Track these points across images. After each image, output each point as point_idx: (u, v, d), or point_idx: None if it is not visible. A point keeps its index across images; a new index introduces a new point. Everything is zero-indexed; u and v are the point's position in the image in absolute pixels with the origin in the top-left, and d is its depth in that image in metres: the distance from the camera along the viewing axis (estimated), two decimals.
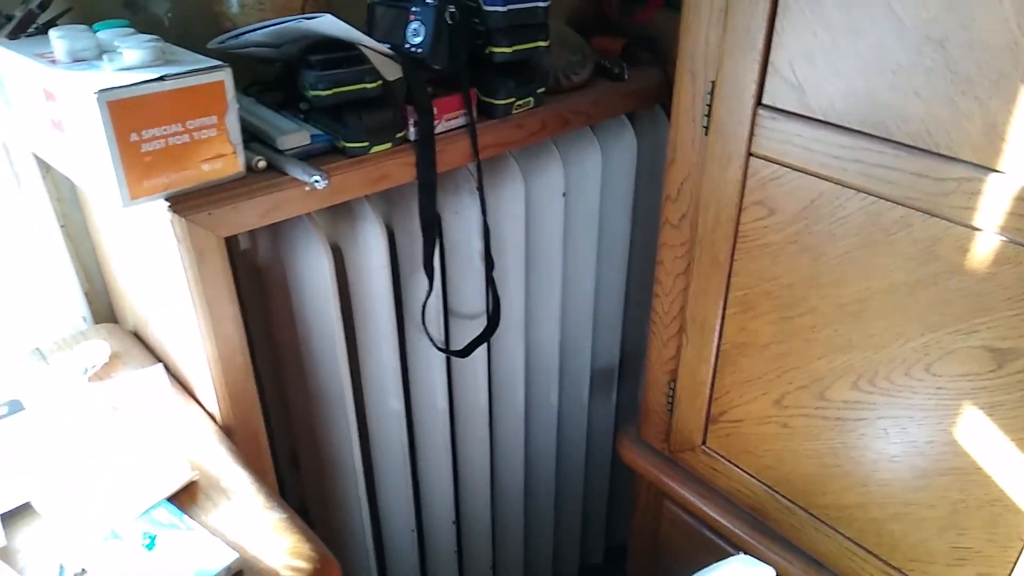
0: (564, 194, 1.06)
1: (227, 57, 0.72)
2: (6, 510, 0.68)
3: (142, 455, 0.73)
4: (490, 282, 1.00)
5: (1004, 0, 0.59)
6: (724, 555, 1.03)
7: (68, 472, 0.71)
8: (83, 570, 0.63)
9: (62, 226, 0.90)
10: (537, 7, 0.87)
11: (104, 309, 0.98)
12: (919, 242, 0.71)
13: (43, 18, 0.77)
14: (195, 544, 0.65)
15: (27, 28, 0.75)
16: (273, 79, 0.90)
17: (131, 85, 0.62)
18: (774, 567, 0.89)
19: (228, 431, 0.81)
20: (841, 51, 0.70)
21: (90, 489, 0.69)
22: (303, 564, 0.66)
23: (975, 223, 0.67)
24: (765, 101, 0.77)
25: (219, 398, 0.80)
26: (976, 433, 0.74)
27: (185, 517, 0.68)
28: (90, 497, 0.68)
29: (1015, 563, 0.75)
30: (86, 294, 0.95)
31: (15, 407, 0.78)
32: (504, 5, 0.84)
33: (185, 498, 0.71)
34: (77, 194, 0.90)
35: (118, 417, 0.78)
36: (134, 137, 0.64)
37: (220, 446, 0.77)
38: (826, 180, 0.75)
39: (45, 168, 0.87)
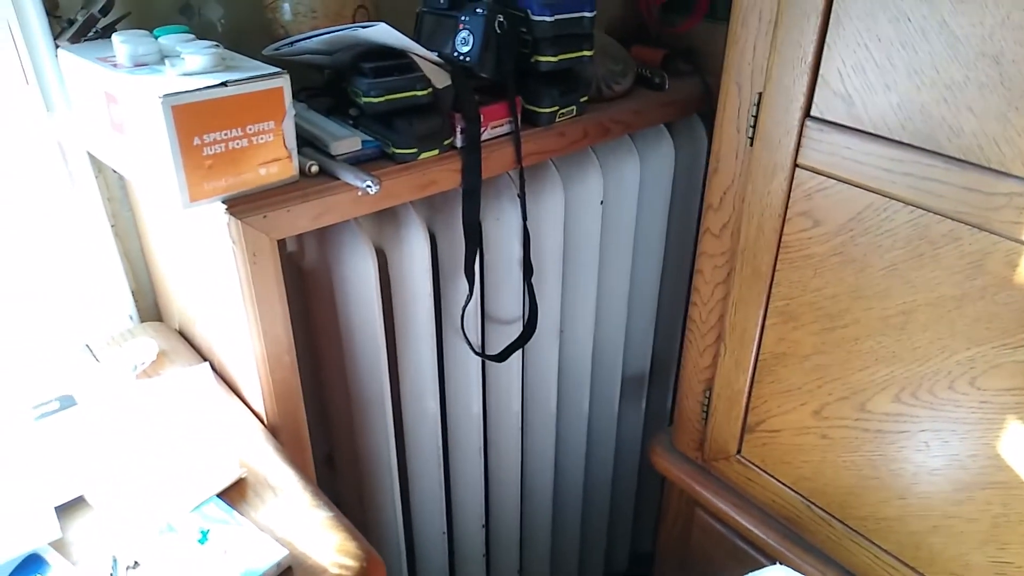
0: (602, 202, 1.07)
1: (279, 63, 0.73)
2: (61, 503, 0.69)
3: (192, 451, 0.74)
4: (528, 288, 1.01)
5: None
6: (755, 565, 1.03)
7: (120, 466, 0.72)
8: (136, 563, 0.65)
9: (112, 225, 0.92)
10: (583, 17, 0.88)
11: (150, 308, 1.00)
12: (967, 256, 0.71)
13: (103, 22, 0.78)
14: (246, 539, 0.66)
15: (88, 32, 0.77)
16: (322, 85, 0.91)
17: (195, 90, 0.64)
18: None
19: (274, 430, 0.82)
20: (893, 64, 0.70)
21: (142, 483, 0.70)
22: (350, 562, 0.67)
23: None
24: (813, 113, 0.78)
25: (265, 397, 0.81)
26: (1020, 447, 0.74)
27: (235, 513, 0.69)
28: (143, 491, 0.69)
29: None
30: (133, 292, 0.97)
31: (67, 402, 0.80)
32: (552, 15, 0.85)
33: (235, 494, 0.72)
34: (127, 193, 0.92)
35: (167, 413, 0.79)
36: (196, 141, 0.66)
37: (267, 444, 0.78)
38: (874, 192, 0.76)
39: (97, 168, 0.89)
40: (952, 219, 0.71)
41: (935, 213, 0.72)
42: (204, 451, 0.75)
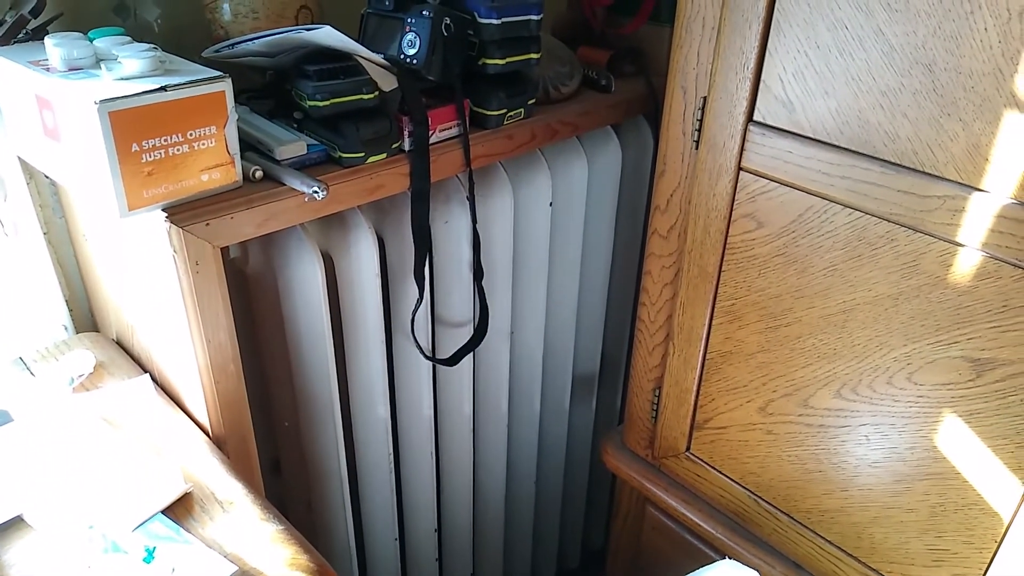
0: (551, 203, 1.07)
1: (219, 65, 0.72)
2: None
3: (135, 467, 0.72)
4: (479, 291, 1.01)
5: (989, 28, 0.62)
6: (706, 560, 1.05)
7: (60, 484, 0.70)
8: None
9: (44, 233, 0.89)
10: (530, 20, 0.88)
11: (85, 317, 0.97)
12: (903, 256, 0.74)
13: (34, 24, 0.75)
14: (193, 557, 0.65)
15: (18, 34, 0.74)
16: (263, 87, 0.89)
17: (133, 95, 0.62)
18: (757, 571, 0.91)
19: (219, 441, 0.80)
20: (832, 71, 0.72)
21: (83, 501, 0.68)
22: None
23: (957, 239, 0.69)
24: (756, 117, 0.79)
25: (210, 408, 0.79)
26: (955, 440, 0.77)
27: (182, 530, 0.67)
28: (84, 509, 0.67)
29: (989, 564, 0.79)
30: (67, 302, 0.94)
31: (3, 418, 0.77)
32: (499, 18, 0.85)
33: (180, 510, 0.70)
34: (60, 199, 0.89)
35: (107, 428, 0.77)
36: (134, 147, 0.63)
37: (212, 457, 0.77)
38: (814, 195, 0.78)
39: (29, 174, 0.85)
40: (888, 221, 0.73)
41: (872, 215, 0.74)
42: (147, 466, 0.72)
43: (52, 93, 0.65)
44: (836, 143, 0.74)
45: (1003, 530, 0.76)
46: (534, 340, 1.19)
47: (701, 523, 1.05)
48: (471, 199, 0.93)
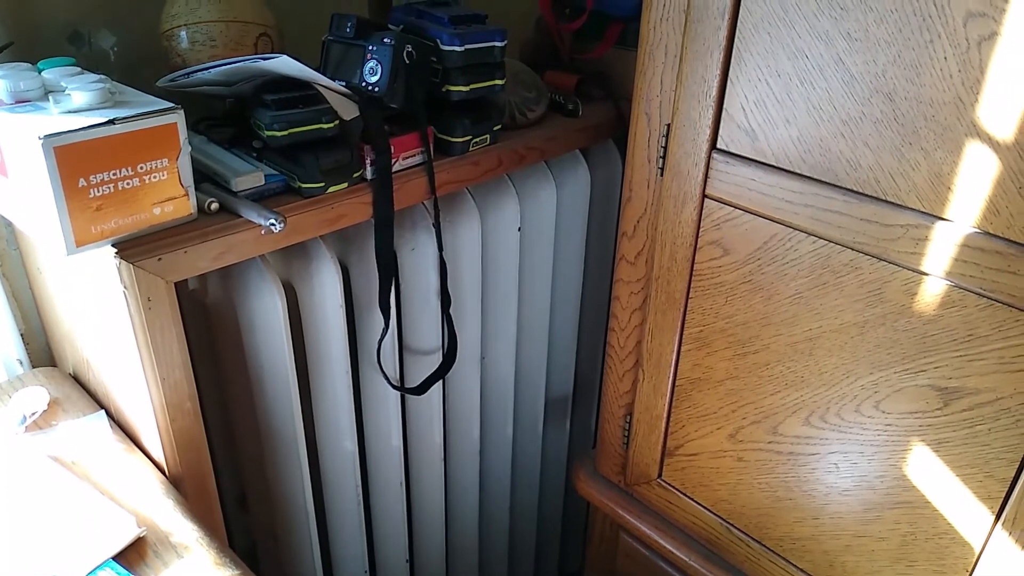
0: (519, 229, 1.06)
1: (174, 95, 0.70)
2: None
3: (86, 510, 0.70)
4: (447, 319, 0.99)
5: (948, 57, 0.62)
6: None
7: (8, 531, 0.67)
8: None
9: None
10: (494, 47, 0.88)
11: (41, 351, 0.94)
12: (867, 284, 0.73)
13: None
14: None
15: None
16: (222, 115, 0.88)
17: (79, 130, 0.60)
18: None
19: (176, 481, 0.78)
20: (793, 100, 0.72)
21: (31, 547, 0.65)
22: None
23: (922, 267, 0.69)
24: (719, 145, 0.79)
25: (166, 447, 0.77)
26: (924, 468, 0.76)
27: None
28: (31, 555, 0.65)
29: None
30: (23, 335, 0.91)
31: None
32: (461, 45, 0.84)
33: (133, 556, 0.67)
34: (15, 233, 0.86)
35: (59, 469, 0.74)
36: (82, 183, 0.62)
37: (167, 499, 0.74)
38: (778, 223, 0.77)
39: None
40: (852, 249, 0.73)
41: (836, 243, 0.74)
42: (99, 509, 0.70)
43: None
44: (799, 171, 0.74)
45: (974, 560, 0.75)
46: (505, 365, 1.17)
47: (674, 551, 1.04)
48: (437, 226, 0.92)
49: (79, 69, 0.69)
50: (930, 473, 0.76)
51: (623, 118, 1.10)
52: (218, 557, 0.68)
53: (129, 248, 0.67)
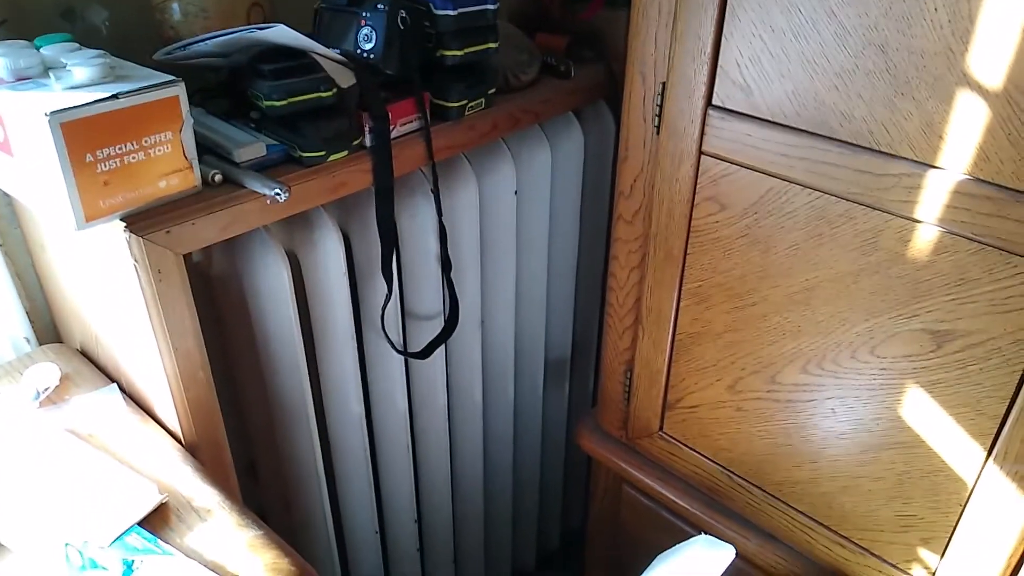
0: (516, 192, 1.07)
1: (171, 68, 0.70)
2: None
3: (108, 480, 0.71)
4: (448, 283, 1.01)
5: (939, 8, 0.63)
6: (683, 536, 1.07)
7: (33, 503, 0.69)
8: None
9: (0, 245, 0.87)
10: (486, 9, 0.88)
11: (47, 328, 0.95)
12: (862, 234, 0.75)
13: None
14: (173, 568, 0.64)
15: None
16: (218, 86, 0.87)
17: (84, 105, 0.60)
18: (732, 544, 0.93)
19: (192, 449, 0.80)
20: (787, 54, 0.73)
21: (58, 518, 0.67)
22: None
23: (914, 215, 0.71)
24: (715, 102, 0.80)
25: (181, 416, 0.79)
26: (918, 409, 0.79)
27: (159, 541, 0.67)
28: (59, 527, 0.66)
29: (954, 527, 0.81)
30: (28, 313, 0.92)
31: None
32: (454, 9, 0.84)
33: (157, 521, 0.69)
34: (15, 210, 0.87)
35: (77, 442, 0.76)
36: (89, 158, 0.62)
37: (185, 465, 0.76)
38: (774, 177, 0.79)
39: None
40: (847, 200, 0.75)
41: (831, 195, 0.75)
42: (120, 478, 0.72)
43: (0, 106, 0.63)
44: (794, 125, 0.75)
45: (967, 494, 0.78)
46: (505, 328, 1.19)
47: (676, 500, 1.07)
48: (435, 192, 0.93)
49: (77, 45, 0.69)
50: (924, 413, 0.78)
51: (614, 78, 1.11)
52: (240, 519, 0.70)
53: (138, 222, 0.68)
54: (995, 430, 0.74)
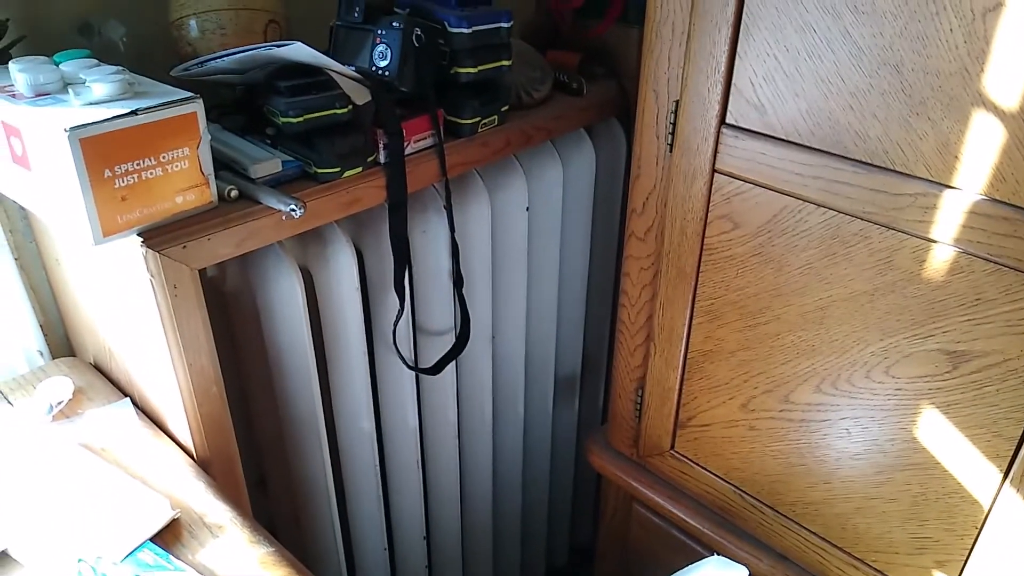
0: (527, 208, 1.08)
1: (188, 84, 0.71)
2: None
3: (120, 495, 0.71)
4: (459, 298, 1.01)
5: (954, 28, 0.63)
6: (694, 555, 1.07)
7: (45, 517, 0.69)
8: None
9: (16, 259, 0.87)
10: (500, 28, 0.88)
11: (61, 342, 0.95)
12: (877, 253, 0.75)
13: None
14: None
15: None
16: (234, 102, 0.88)
17: (103, 121, 0.61)
18: (745, 565, 0.92)
19: (204, 464, 0.80)
20: (801, 74, 0.73)
21: (70, 533, 0.67)
22: None
23: (930, 235, 0.71)
24: (729, 120, 0.80)
25: (194, 431, 0.79)
26: (933, 430, 0.78)
27: (171, 557, 0.67)
28: (71, 542, 0.66)
29: (970, 550, 0.80)
30: (42, 327, 0.92)
31: None
32: (469, 27, 0.85)
33: (169, 537, 0.69)
34: (31, 225, 0.87)
35: (90, 456, 0.76)
36: (107, 173, 0.63)
37: (198, 480, 0.76)
38: (788, 195, 0.79)
39: None
40: (862, 219, 0.74)
41: (845, 214, 0.75)
42: (132, 493, 0.72)
43: (20, 121, 0.64)
44: (808, 144, 0.75)
45: (983, 517, 0.78)
46: (516, 344, 1.19)
47: (688, 519, 1.06)
48: (448, 208, 0.93)
49: (96, 61, 0.70)
50: (939, 435, 0.78)
51: (626, 96, 1.11)
52: (252, 535, 0.70)
53: (154, 237, 0.68)
54: (1012, 452, 0.73)
